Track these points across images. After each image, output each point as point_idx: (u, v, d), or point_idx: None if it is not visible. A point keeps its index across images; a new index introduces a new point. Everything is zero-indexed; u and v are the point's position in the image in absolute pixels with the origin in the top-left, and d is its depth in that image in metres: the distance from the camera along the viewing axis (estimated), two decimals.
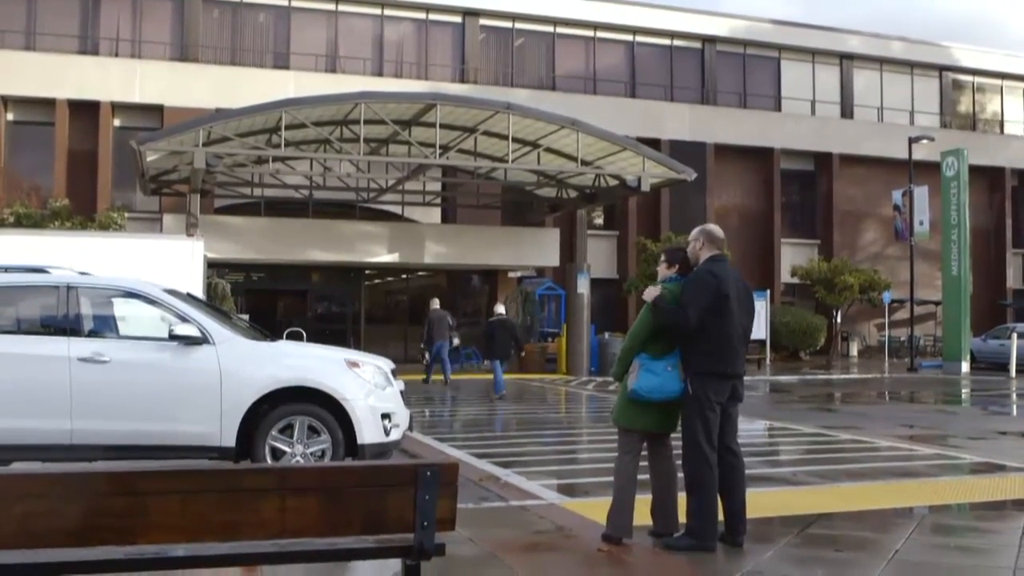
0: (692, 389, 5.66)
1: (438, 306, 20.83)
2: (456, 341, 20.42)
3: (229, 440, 7.49)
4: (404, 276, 32.60)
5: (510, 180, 26.57)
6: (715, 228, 5.98)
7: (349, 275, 30.61)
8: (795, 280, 34.71)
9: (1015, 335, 26.77)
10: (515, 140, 22.17)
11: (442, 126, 21.45)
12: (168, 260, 16.94)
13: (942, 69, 39.32)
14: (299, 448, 7.64)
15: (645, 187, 22.97)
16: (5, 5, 28.94)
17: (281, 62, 30.93)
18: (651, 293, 5.76)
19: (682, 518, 5.85)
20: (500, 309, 19.05)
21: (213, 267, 22.82)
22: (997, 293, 38.42)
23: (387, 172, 25.82)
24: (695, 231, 5.99)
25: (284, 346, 8.78)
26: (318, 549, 3.11)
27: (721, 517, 5.78)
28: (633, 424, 5.84)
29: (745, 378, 6.09)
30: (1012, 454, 10.40)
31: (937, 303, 32.53)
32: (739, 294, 5.76)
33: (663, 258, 6.07)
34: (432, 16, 32.54)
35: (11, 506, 2.65)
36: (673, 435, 5.98)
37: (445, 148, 22.55)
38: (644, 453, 6.03)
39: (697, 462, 5.65)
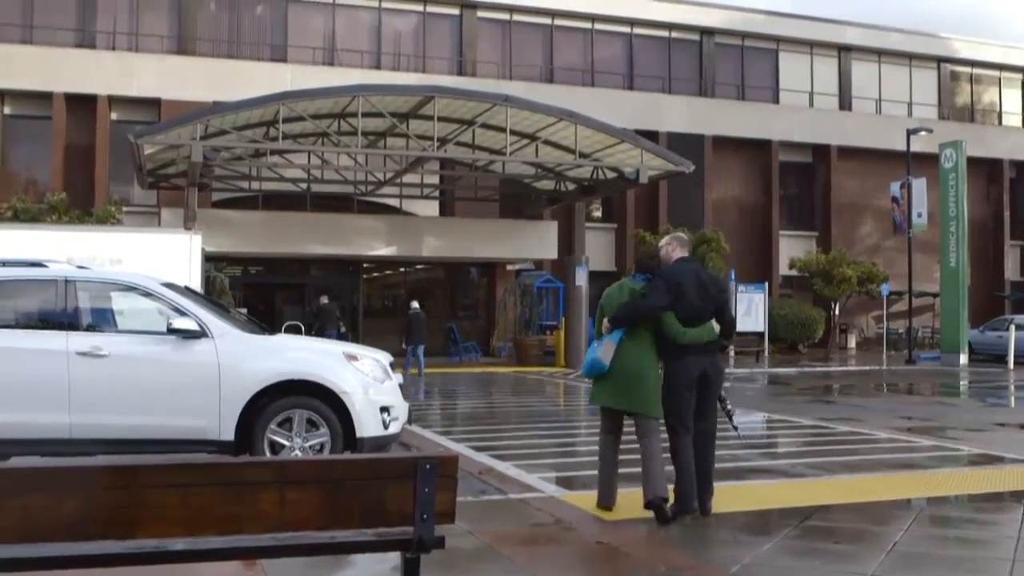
0: (663, 371, 6.52)
1: (327, 301, 24.02)
2: (343, 329, 23.00)
3: (228, 434, 7.49)
4: (402, 269, 32.59)
5: (508, 173, 26.53)
6: (683, 235, 7.04)
7: (347, 268, 30.60)
8: (793, 272, 34.72)
9: (1013, 327, 26.80)
10: (513, 133, 22.15)
11: (440, 119, 21.41)
12: (166, 254, 16.93)
13: (940, 61, 39.28)
14: (298, 441, 7.65)
15: (643, 179, 22.95)
16: None
17: (279, 55, 30.86)
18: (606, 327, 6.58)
19: None
20: (415, 304, 23.05)
21: (211, 261, 22.80)
22: (995, 285, 38.43)
23: (385, 165, 25.78)
24: (667, 238, 6.95)
25: (282, 340, 8.78)
26: (317, 542, 3.11)
27: None
28: (591, 400, 6.70)
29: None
30: (1010, 445, 10.41)
31: (935, 295, 32.54)
32: (697, 284, 6.50)
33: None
34: (430, 8, 32.49)
35: (10, 500, 2.65)
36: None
37: (443, 141, 22.51)
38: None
39: (670, 437, 6.49)
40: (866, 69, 38.10)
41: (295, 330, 22.44)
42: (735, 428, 7.24)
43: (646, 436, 6.43)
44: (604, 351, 6.37)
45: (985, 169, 38.22)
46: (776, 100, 36.76)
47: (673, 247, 6.79)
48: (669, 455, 6.44)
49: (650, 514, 6.25)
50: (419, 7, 32.36)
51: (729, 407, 6.87)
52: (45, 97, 27.98)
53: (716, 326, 6.62)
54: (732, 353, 27.67)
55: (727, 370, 23.99)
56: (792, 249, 35.35)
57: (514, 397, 17.47)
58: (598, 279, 28.15)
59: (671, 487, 6.38)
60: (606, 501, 6.57)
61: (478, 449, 9.91)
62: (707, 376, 6.47)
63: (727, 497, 7.19)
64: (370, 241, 27.79)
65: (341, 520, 2.99)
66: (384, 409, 7.89)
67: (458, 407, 16.04)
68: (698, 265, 6.89)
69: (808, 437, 11.59)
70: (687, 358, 6.38)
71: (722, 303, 6.73)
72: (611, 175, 24.14)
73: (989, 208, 39.09)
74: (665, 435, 6.52)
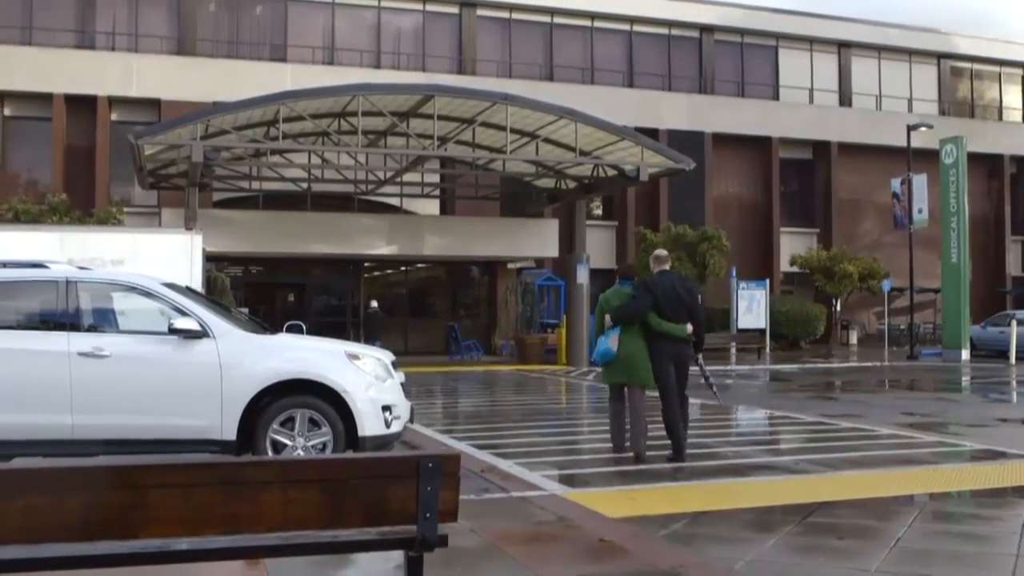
0: (651, 352, 8.82)
1: (293, 299, 24.64)
2: (304, 327, 23.20)
3: (230, 433, 7.49)
4: (403, 268, 32.59)
5: (509, 171, 26.53)
6: (659, 253, 9.36)
7: (348, 268, 30.60)
8: (794, 269, 34.67)
9: (1014, 322, 26.78)
10: (513, 131, 22.14)
11: (440, 117, 21.41)
12: (167, 254, 16.94)
13: (940, 56, 39.25)
14: (300, 441, 7.64)
15: (644, 177, 22.95)
16: (1, 0, 28.86)
17: (278, 55, 30.86)
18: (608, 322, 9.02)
19: None
20: (374, 304, 24.93)
21: (212, 261, 22.80)
22: (996, 280, 38.42)
23: (385, 164, 25.76)
24: (651, 257, 9.44)
25: (284, 339, 8.77)
26: (320, 541, 3.11)
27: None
28: (603, 379, 9.27)
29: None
30: (1013, 441, 10.40)
31: (936, 291, 32.52)
32: (667, 292, 8.75)
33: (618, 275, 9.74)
34: (430, 7, 32.48)
35: (13, 501, 2.64)
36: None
37: (443, 140, 22.51)
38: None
39: (661, 398, 8.86)
40: (866, 65, 38.07)
41: (297, 330, 22.42)
42: (713, 390, 9.84)
43: (635, 401, 8.86)
44: (612, 341, 8.77)
45: (986, 165, 38.20)
46: (776, 97, 36.75)
47: (653, 263, 9.31)
48: (661, 414, 8.84)
49: (652, 512, 6.34)
50: (419, 6, 32.35)
51: (711, 381, 9.56)
52: (45, 98, 27.99)
53: (689, 327, 8.80)
54: (734, 351, 27.69)
55: (728, 367, 24.08)
56: (793, 246, 35.33)
57: (516, 395, 17.47)
58: (599, 277, 28.17)
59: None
60: (618, 449, 9.07)
61: (480, 447, 9.90)
62: (678, 358, 8.87)
63: (730, 494, 7.19)
64: (371, 240, 27.78)
65: (344, 519, 2.99)
66: (386, 408, 7.89)
67: (460, 405, 16.04)
68: (675, 275, 9.26)
69: (810, 433, 11.58)
70: (665, 343, 8.77)
71: (692, 303, 8.90)
72: (612, 173, 24.14)
73: (990, 204, 39.08)
74: (650, 402, 8.90)
